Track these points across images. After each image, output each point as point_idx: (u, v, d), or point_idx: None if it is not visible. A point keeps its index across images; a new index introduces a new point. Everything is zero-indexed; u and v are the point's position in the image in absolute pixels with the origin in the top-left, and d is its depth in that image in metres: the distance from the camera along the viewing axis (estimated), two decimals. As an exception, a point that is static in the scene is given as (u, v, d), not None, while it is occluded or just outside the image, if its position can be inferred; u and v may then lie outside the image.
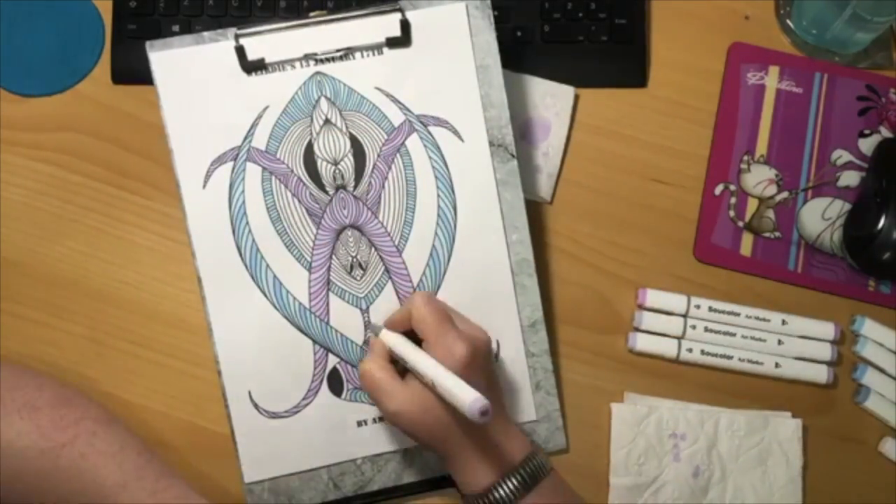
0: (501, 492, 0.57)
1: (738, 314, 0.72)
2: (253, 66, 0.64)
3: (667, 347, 0.71)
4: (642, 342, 0.71)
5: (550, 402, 0.68)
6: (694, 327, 0.71)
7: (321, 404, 0.65)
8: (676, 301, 0.72)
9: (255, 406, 0.65)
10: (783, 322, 0.71)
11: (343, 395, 0.66)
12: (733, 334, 0.71)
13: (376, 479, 0.66)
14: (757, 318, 0.72)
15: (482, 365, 0.60)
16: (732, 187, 0.75)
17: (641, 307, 0.72)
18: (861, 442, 0.71)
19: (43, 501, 0.58)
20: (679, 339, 0.71)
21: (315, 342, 0.65)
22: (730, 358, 0.71)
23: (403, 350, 0.60)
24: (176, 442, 0.68)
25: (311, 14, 0.65)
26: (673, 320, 0.71)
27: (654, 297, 0.71)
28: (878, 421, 0.71)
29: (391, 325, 0.63)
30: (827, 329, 0.72)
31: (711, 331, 0.71)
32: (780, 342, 0.71)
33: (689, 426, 0.69)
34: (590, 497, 0.69)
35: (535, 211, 0.73)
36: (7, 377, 0.62)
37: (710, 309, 0.72)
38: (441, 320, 0.60)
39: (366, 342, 0.66)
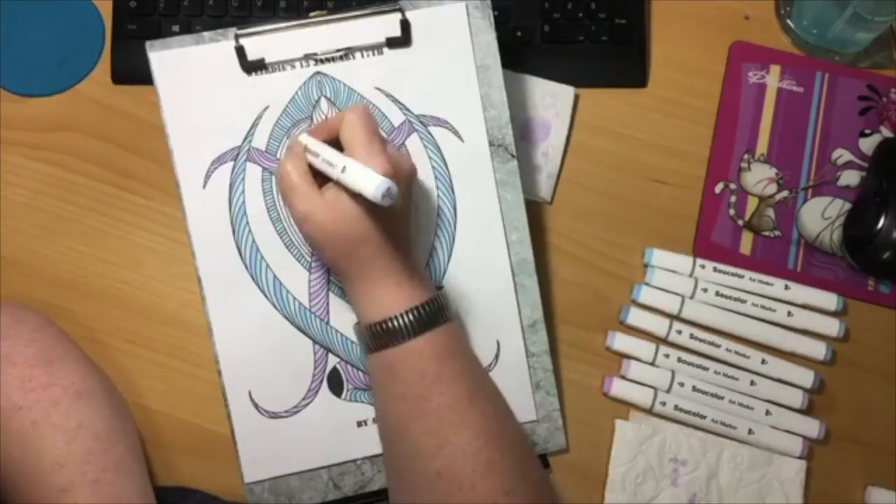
0: (398, 323, 0.57)
1: (718, 345, 0.71)
2: (253, 67, 0.64)
3: (642, 396, 0.70)
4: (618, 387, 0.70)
5: (550, 402, 0.68)
6: (680, 384, 0.70)
7: (321, 404, 0.65)
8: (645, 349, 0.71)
9: (255, 406, 0.65)
10: (763, 361, 0.71)
11: (343, 395, 0.66)
12: (706, 369, 0.71)
13: (376, 479, 0.66)
14: (737, 353, 0.71)
15: (401, 191, 0.57)
16: (733, 186, 0.75)
17: (609, 349, 0.72)
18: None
19: None
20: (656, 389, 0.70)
21: (315, 342, 0.66)
22: (703, 418, 0.70)
23: (318, 145, 0.58)
24: (176, 442, 0.69)
25: (311, 14, 0.65)
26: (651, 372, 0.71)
27: (621, 340, 0.71)
28: (860, 473, 0.71)
29: (315, 131, 0.61)
30: (805, 376, 0.71)
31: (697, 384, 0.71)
32: (752, 383, 0.71)
33: (691, 452, 0.68)
34: (588, 497, 0.69)
35: (535, 211, 0.73)
36: (5, 323, 0.61)
37: (688, 345, 0.71)
38: (372, 134, 0.57)
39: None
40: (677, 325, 0.71)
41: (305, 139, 0.60)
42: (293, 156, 0.59)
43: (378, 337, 0.58)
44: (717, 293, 0.72)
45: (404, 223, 0.60)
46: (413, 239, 0.63)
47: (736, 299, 0.72)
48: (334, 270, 0.62)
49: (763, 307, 0.72)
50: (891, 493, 0.69)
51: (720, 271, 0.72)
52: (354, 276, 0.59)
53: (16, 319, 0.62)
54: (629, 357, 0.71)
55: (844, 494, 0.70)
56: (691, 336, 0.71)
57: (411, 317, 0.57)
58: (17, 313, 0.64)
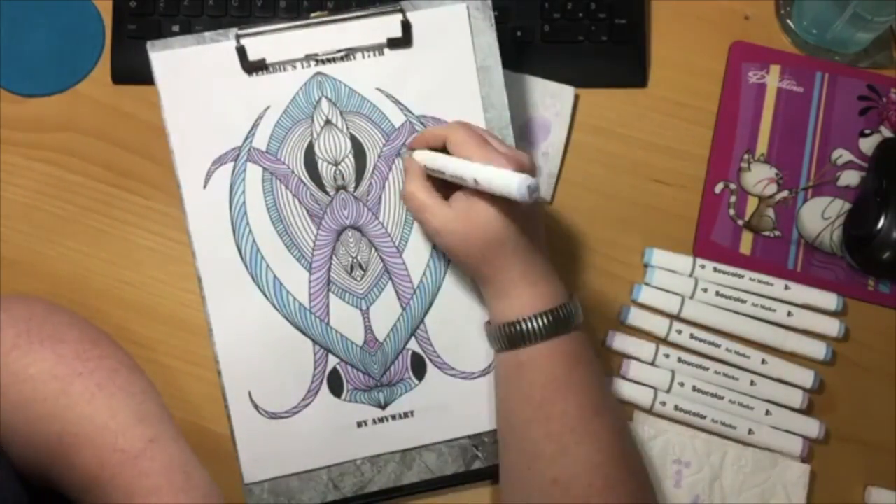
0: (531, 325, 0.57)
1: (718, 345, 0.71)
2: (254, 67, 0.64)
3: (645, 394, 0.70)
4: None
5: (550, 402, 0.68)
6: (681, 385, 0.70)
7: (321, 405, 0.65)
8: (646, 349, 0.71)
9: (255, 406, 0.65)
10: (763, 361, 0.71)
11: (343, 396, 0.66)
12: (707, 368, 0.71)
13: (376, 480, 0.66)
14: (737, 353, 0.71)
15: None
16: (732, 186, 0.75)
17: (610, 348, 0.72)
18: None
19: (48, 428, 0.58)
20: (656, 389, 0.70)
21: (315, 343, 0.66)
22: (703, 418, 0.69)
23: (441, 160, 0.59)
24: (176, 442, 0.69)
25: (312, 14, 0.65)
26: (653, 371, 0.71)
27: (621, 340, 0.71)
28: (861, 473, 0.70)
29: (419, 143, 0.62)
30: (805, 376, 0.71)
31: (697, 381, 0.70)
32: (752, 383, 0.71)
33: (695, 454, 0.68)
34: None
35: (536, 211, 0.73)
36: (41, 312, 0.62)
37: (688, 345, 0.71)
38: (483, 142, 0.58)
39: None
40: (677, 325, 0.71)
41: (422, 156, 0.60)
42: (414, 175, 0.60)
43: (510, 338, 0.58)
44: (717, 293, 0.72)
45: (536, 221, 0.60)
46: (543, 233, 0.62)
47: (736, 299, 0.72)
48: (470, 275, 0.63)
49: (763, 307, 0.72)
50: (891, 493, 0.69)
51: (720, 271, 0.72)
52: (490, 277, 0.59)
53: (49, 310, 0.63)
54: (629, 357, 0.71)
55: (845, 494, 0.70)
56: (691, 336, 0.71)
57: (545, 320, 0.57)
58: (50, 305, 0.65)
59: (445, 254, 0.62)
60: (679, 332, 0.71)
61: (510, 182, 0.52)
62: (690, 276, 0.72)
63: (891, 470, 0.70)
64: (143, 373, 0.63)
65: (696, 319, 0.72)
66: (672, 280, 0.72)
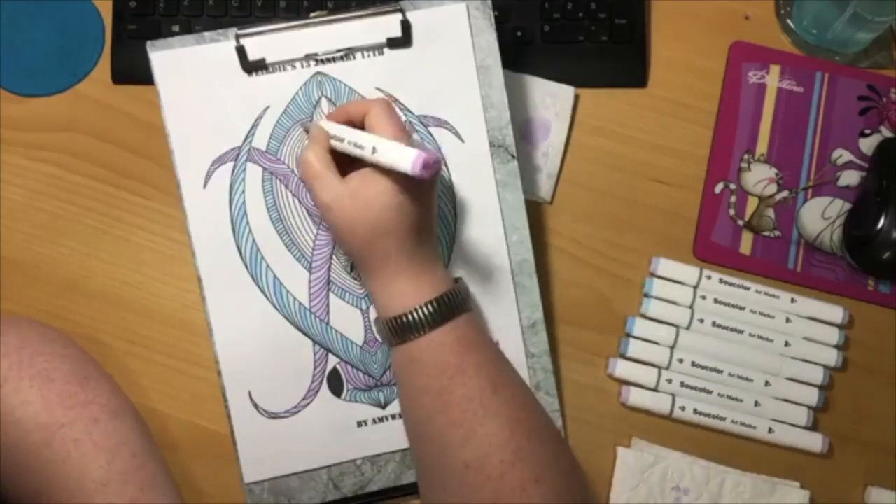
0: (416, 315, 0.57)
1: (721, 371, 0.71)
2: (254, 67, 0.64)
3: (660, 403, 0.70)
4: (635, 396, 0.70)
5: (550, 402, 0.68)
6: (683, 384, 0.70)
7: (321, 404, 0.65)
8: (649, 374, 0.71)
9: (255, 406, 0.65)
10: (766, 383, 0.70)
11: (343, 396, 0.66)
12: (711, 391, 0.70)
13: (376, 480, 0.66)
14: (740, 377, 0.71)
15: (432, 182, 0.59)
16: (732, 186, 0.75)
17: (612, 377, 0.71)
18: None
19: (29, 480, 0.58)
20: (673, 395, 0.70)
21: (315, 342, 0.66)
22: (723, 419, 0.70)
23: (341, 129, 0.59)
24: (176, 442, 0.69)
25: (312, 14, 0.65)
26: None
27: (623, 367, 0.71)
28: (861, 473, 0.70)
29: (340, 115, 0.62)
30: (810, 394, 0.71)
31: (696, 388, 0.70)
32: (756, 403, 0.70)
33: (693, 481, 0.68)
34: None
35: (535, 211, 0.73)
36: (35, 340, 0.61)
37: (693, 364, 0.71)
38: (399, 124, 0.58)
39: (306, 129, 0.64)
40: (678, 354, 0.71)
41: (327, 125, 0.60)
42: (315, 143, 0.59)
43: (397, 331, 0.58)
44: (714, 323, 0.71)
45: (427, 214, 0.60)
46: (435, 226, 0.62)
47: (734, 329, 0.71)
48: (354, 262, 0.63)
49: (761, 338, 0.71)
50: (891, 494, 0.69)
51: (725, 282, 0.72)
52: (374, 268, 0.59)
53: (45, 337, 0.63)
54: (630, 384, 0.70)
55: (844, 494, 0.70)
56: (693, 364, 0.70)
57: (430, 308, 0.57)
58: (45, 331, 0.64)
59: (331, 232, 0.61)
60: (680, 360, 0.70)
61: (404, 156, 0.52)
62: (690, 307, 0.72)
63: (891, 470, 0.70)
64: (127, 414, 0.62)
65: (696, 348, 0.71)
66: (671, 311, 0.72)
